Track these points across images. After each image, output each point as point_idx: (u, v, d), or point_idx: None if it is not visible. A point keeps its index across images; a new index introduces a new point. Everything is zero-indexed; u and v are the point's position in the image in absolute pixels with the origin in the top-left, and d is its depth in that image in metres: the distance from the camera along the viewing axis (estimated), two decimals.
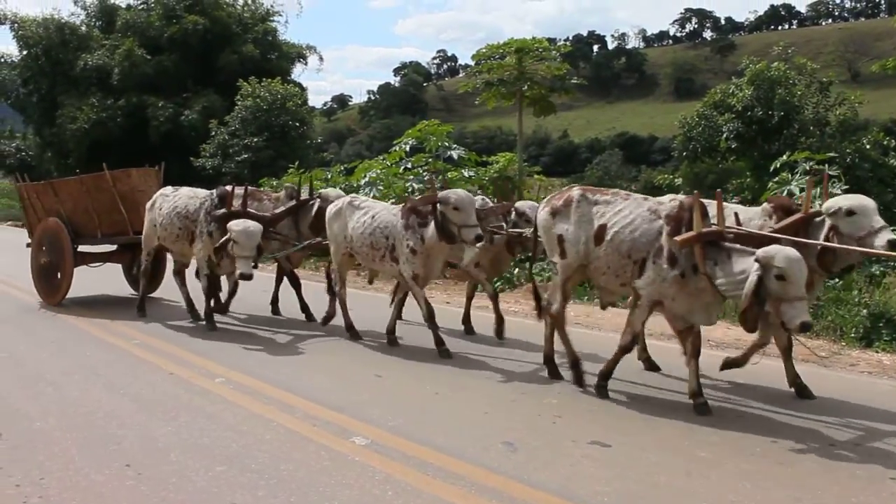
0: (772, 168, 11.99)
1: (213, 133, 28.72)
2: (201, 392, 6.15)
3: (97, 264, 10.86)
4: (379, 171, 16.21)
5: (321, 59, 41.23)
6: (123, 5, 37.59)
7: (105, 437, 5.07)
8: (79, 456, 4.73)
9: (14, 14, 35.67)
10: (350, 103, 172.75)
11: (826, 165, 10.90)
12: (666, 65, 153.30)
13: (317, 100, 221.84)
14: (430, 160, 16.32)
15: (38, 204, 10.82)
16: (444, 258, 7.65)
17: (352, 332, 8.27)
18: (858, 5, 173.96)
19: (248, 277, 7.85)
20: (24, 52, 35.26)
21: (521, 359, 7.26)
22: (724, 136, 25.35)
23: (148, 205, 9.52)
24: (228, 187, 8.77)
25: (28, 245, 11.05)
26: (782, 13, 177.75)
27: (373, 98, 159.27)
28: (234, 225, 7.97)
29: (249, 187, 9.19)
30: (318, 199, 8.99)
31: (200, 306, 9.10)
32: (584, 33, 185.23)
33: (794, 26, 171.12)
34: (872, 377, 6.94)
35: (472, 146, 32.59)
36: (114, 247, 10.87)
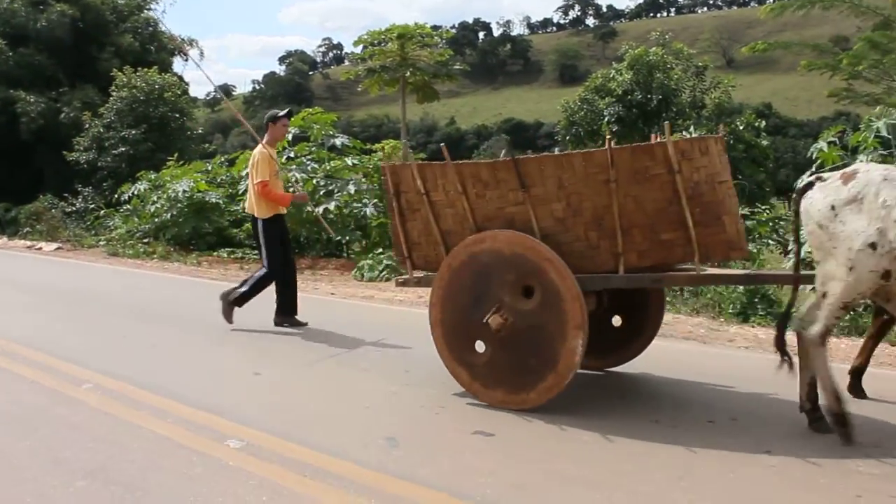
0: None
1: (87, 126, 27.58)
2: (66, 401, 5.74)
3: None
4: None
5: (202, 53, 40.12)
6: None
7: None
8: None
9: None
10: (234, 93, 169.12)
11: None
12: (550, 51, 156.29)
13: (199, 90, 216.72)
14: (314, 149, 16.06)
15: (456, 203, 5.47)
16: None
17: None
18: None
19: None
20: None
21: (403, 349, 7.11)
22: (606, 119, 25.94)
23: (828, 200, 4.51)
24: None
25: (402, 283, 6.13)
26: (661, 1, 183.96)
27: (258, 88, 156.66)
28: None
29: None
30: None
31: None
32: (470, 20, 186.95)
33: (672, 14, 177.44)
34: (749, 351, 7.14)
35: (359, 135, 32.37)
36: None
